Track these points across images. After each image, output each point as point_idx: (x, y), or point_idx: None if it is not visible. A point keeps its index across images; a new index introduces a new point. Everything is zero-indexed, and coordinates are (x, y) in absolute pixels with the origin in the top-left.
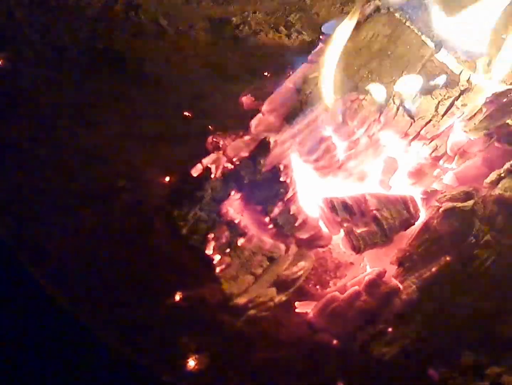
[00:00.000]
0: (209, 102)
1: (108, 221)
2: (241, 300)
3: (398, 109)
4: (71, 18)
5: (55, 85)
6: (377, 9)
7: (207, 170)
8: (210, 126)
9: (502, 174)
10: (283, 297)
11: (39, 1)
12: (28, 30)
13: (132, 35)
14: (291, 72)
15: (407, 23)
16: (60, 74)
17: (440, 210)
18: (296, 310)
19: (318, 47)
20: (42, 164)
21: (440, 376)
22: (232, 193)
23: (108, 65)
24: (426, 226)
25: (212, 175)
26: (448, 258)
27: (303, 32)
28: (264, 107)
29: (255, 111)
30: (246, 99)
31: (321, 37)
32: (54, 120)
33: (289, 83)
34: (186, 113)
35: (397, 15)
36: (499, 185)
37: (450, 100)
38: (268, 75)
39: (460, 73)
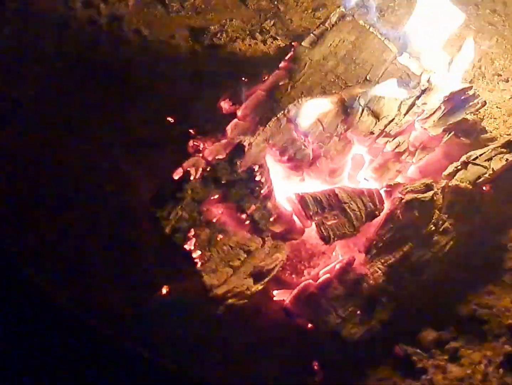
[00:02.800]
0: (190, 108)
1: (97, 222)
2: (221, 290)
3: (363, 110)
4: (57, 31)
5: (44, 96)
6: (342, 17)
7: (187, 173)
8: (191, 131)
9: (459, 167)
10: (259, 286)
11: (26, 16)
12: (15, 44)
13: (116, 46)
14: (266, 78)
15: (371, 29)
16: (49, 85)
17: (403, 201)
18: (274, 298)
19: (289, 54)
20: (35, 170)
21: (405, 353)
22: (211, 193)
23: (95, 76)
24: (390, 216)
25: (192, 178)
26: (410, 245)
27: (278, 38)
28: (239, 113)
29: (234, 115)
30: (224, 104)
31: (293, 43)
32: (44, 129)
33: (261, 90)
34: (169, 119)
35: (361, 22)
36: (456, 176)
37: (412, 99)
38: (246, 80)
39: (421, 74)
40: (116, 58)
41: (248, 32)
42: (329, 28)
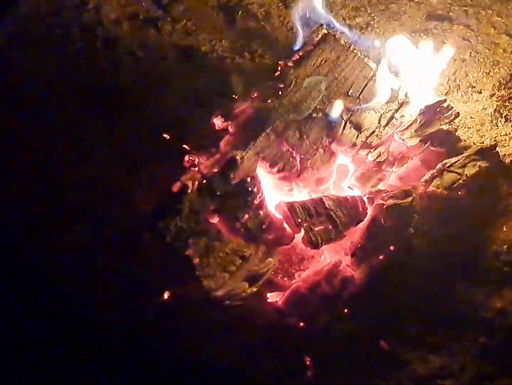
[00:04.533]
0: (184, 125)
1: (102, 234)
2: (219, 293)
3: (346, 123)
4: (56, 55)
5: (47, 118)
6: (325, 37)
7: (185, 186)
8: (186, 147)
9: (435, 174)
10: (254, 289)
11: (33, 45)
12: (20, 71)
13: (113, 67)
14: (255, 95)
15: (351, 48)
16: (50, 107)
17: (384, 207)
18: (268, 300)
19: (276, 73)
20: (43, 187)
21: (390, 347)
22: (207, 204)
23: (93, 97)
24: (373, 221)
25: (189, 190)
26: (392, 248)
27: (265, 57)
28: (231, 129)
29: (226, 131)
30: (217, 121)
31: (279, 62)
32: (48, 149)
33: (251, 107)
34: (165, 136)
35: (341, 41)
36: (433, 183)
37: (391, 113)
38: (236, 97)
39: (398, 89)
40: (112, 79)
41: (237, 52)
42: (312, 48)
